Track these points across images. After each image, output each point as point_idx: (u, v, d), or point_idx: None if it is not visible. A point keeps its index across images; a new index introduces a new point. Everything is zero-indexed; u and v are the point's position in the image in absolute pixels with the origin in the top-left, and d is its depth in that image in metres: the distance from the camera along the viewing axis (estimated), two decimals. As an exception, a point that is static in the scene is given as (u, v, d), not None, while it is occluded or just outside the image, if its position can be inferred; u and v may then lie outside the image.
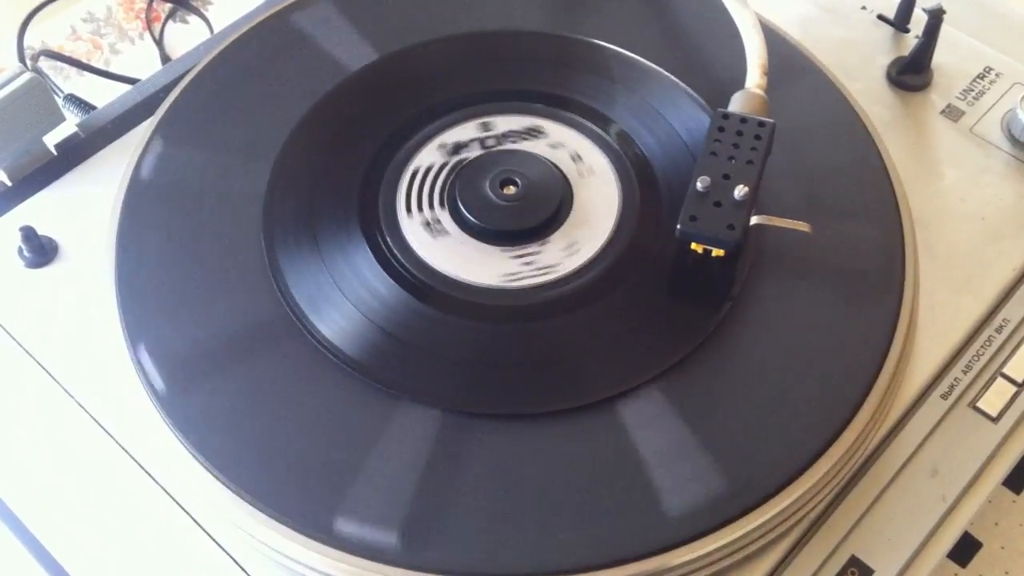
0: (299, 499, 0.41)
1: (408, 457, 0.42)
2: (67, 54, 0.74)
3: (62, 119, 0.53)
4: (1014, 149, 0.54)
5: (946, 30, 0.55)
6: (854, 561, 0.43)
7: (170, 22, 0.78)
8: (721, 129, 0.47)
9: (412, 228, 0.49)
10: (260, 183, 0.50)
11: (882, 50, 0.58)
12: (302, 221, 0.49)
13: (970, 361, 0.48)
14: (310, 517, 0.41)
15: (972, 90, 0.56)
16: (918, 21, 0.57)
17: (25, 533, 0.43)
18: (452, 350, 0.45)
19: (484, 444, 0.42)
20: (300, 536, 0.40)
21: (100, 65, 0.75)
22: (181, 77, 0.55)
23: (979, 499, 0.45)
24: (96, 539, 0.43)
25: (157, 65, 0.74)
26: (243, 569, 0.42)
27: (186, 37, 0.77)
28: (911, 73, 0.56)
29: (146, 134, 0.52)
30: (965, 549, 0.46)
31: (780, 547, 0.43)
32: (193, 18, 0.78)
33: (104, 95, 0.64)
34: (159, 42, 0.76)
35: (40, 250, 0.49)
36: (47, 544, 0.43)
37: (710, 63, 0.54)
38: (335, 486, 0.41)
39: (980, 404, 0.47)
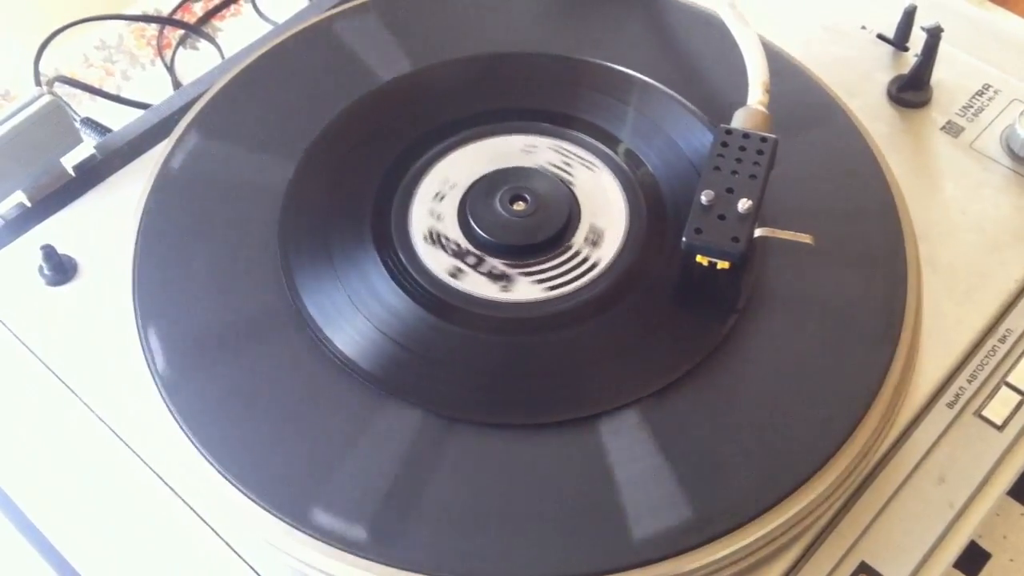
0: (327, 512, 0.42)
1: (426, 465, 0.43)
2: (80, 80, 0.75)
3: (79, 141, 0.54)
4: (1013, 163, 0.55)
5: (945, 48, 0.56)
6: (864, 567, 0.43)
7: (181, 48, 0.79)
8: (724, 144, 0.48)
9: (424, 245, 0.50)
10: (275, 206, 0.50)
11: (882, 68, 0.59)
12: (318, 243, 0.49)
13: (975, 371, 0.48)
14: (337, 529, 0.41)
15: (971, 107, 0.57)
16: (917, 40, 0.58)
17: (42, 540, 0.44)
18: (469, 362, 0.46)
19: (505, 454, 0.43)
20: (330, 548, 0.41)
21: (112, 91, 0.76)
22: (195, 100, 0.56)
23: (986, 506, 0.45)
24: (116, 546, 0.44)
25: (168, 90, 0.75)
26: (254, 570, 0.43)
27: (196, 63, 0.78)
28: (911, 90, 0.57)
29: (162, 156, 0.53)
30: (974, 560, 0.47)
31: (790, 553, 0.43)
32: (203, 44, 0.79)
33: (116, 120, 0.65)
34: (170, 68, 0.77)
35: (60, 268, 0.50)
36: (68, 555, 0.44)
37: (713, 81, 0.55)
38: (360, 497, 0.42)
39: (985, 412, 0.47)
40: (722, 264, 0.46)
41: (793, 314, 0.47)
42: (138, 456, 0.46)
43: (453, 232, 0.50)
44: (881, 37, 0.60)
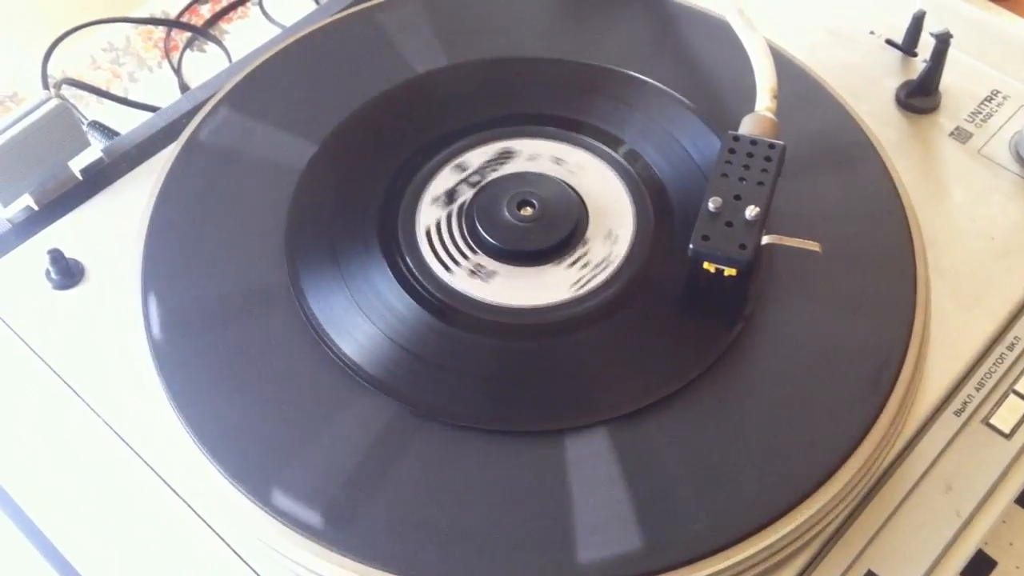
0: (327, 515, 0.42)
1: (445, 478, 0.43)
2: (87, 82, 0.75)
3: (87, 144, 0.54)
4: (1022, 170, 0.55)
5: (953, 54, 0.56)
6: (870, 576, 0.43)
7: (188, 51, 0.79)
8: (732, 151, 0.48)
9: (432, 252, 0.50)
10: (281, 209, 0.50)
11: (890, 74, 0.59)
12: (324, 247, 0.49)
13: (982, 378, 0.48)
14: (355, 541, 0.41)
15: (980, 112, 0.57)
16: (925, 45, 0.58)
17: (49, 546, 0.44)
18: (472, 367, 0.46)
19: (516, 461, 0.43)
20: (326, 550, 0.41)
21: (119, 93, 0.76)
22: (203, 104, 0.56)
23: (993, 514, 0.45)
24: (118, 547, 0.44)
25: (175, 93, 0.75)
26: (254, 570, 0.43)
27: (204, 66, 0.78)
28: (919, 96, 0.57)
29: (170, 159, 0.53)
30: (980, 568, 0.46)
31: (797, 562, 0.43)
32: (210, 47, 0.79)
33: (123, 123, 0.65)
34: (177, 71, 0.77)
35: (67, 272, 0.50)
36: (69, 555, 0.44)
37: (721, 87, 0.55)
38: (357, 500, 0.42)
39: (993, 420, 0.47)
40: (729, 271, 0.46)
41: (800, 321, 0.47)
42: (144, 460, 0.46)
43: (463, 240, 0.50)
44: (889, 42, 0.60)
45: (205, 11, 0.81)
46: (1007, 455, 0.46)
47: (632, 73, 0.56)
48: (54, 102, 0.52)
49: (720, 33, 0.57)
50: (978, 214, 0.53)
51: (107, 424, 0.46)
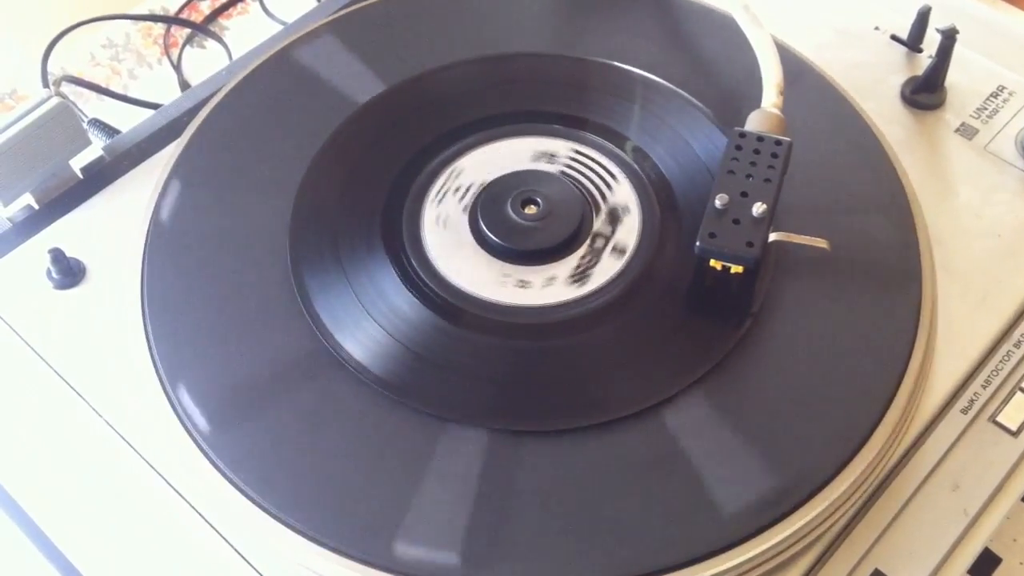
0: (345, 525, 0.42)
1: (454, 479, 0.43)
2: (86, 79, 0.75)
3: (88, 143, 0.54)
4: (1028, 166, 0.55)
5: (959, 50, 0.56)
6: (877, 575, 0.43)
7: (188, 47, 0.79)
8: (738, 148, 0.48)
9: (436, 249, 0.49)
10: (285, 207, 0.50)
11: (896, 70, 0.59)
12: (327, 244, 0.49)
13: (989, 376, 0.48)
14: (362, 542, 0.41)
15: (986, 109, 0.57)
16: (931, 41, 0.58)
17: (51, 547, 0.44)
18: (484, 368, 0.45)
19: (528, 461, 0.43)
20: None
21: (119, 90, 0.76)
22: (205, 101, 0.56)
23: (1000, 512, 0.45)
24: (119, 546, 0.44)
25: (175, 90, 0.75)
26: (256, 570, 0.43)
27: (204, 62, 0.78)
28: (925, 92, 0.57)
29: (171, 158, 0.52)
30: (985, 564, 0.46)
31: (804, 561, 0.43)
32: (210, 43, 0.79)
33: (123, 120, 0.65)
34: (177, 67, 0.77)
35: (68, 271, 0.50)
36: (70, 555, 0.44)
37: (727, 83, 0.55)
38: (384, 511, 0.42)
39: (1000, 418, 0.47)
40: (736, 268, 0.46)
41: (807, 319, 0.47)
42: (144, 460, 0.45)
43: (467, 238, 0.50)
44: (895, 38, 0.60)
45: (205, 7, 0.81)
46: (1014, 453, 0.46)
47: (637, 70, 0.55)
48: (55, 100, 0.51)
49: (725, 30, 0.56)
50: (985, 212, 0.53)
51: (107, 424, 0.46)
